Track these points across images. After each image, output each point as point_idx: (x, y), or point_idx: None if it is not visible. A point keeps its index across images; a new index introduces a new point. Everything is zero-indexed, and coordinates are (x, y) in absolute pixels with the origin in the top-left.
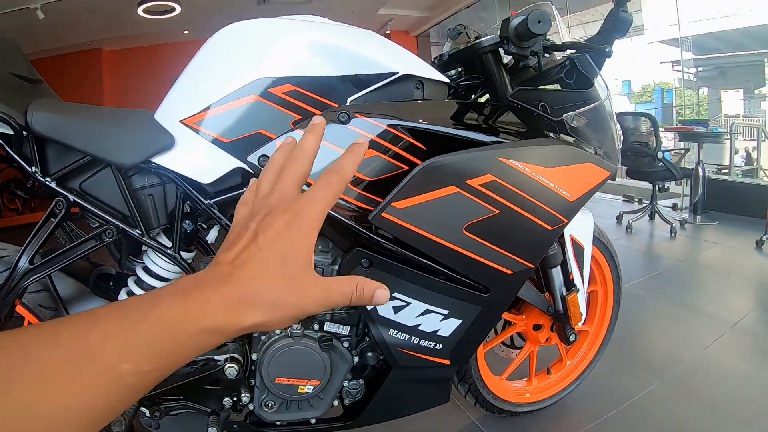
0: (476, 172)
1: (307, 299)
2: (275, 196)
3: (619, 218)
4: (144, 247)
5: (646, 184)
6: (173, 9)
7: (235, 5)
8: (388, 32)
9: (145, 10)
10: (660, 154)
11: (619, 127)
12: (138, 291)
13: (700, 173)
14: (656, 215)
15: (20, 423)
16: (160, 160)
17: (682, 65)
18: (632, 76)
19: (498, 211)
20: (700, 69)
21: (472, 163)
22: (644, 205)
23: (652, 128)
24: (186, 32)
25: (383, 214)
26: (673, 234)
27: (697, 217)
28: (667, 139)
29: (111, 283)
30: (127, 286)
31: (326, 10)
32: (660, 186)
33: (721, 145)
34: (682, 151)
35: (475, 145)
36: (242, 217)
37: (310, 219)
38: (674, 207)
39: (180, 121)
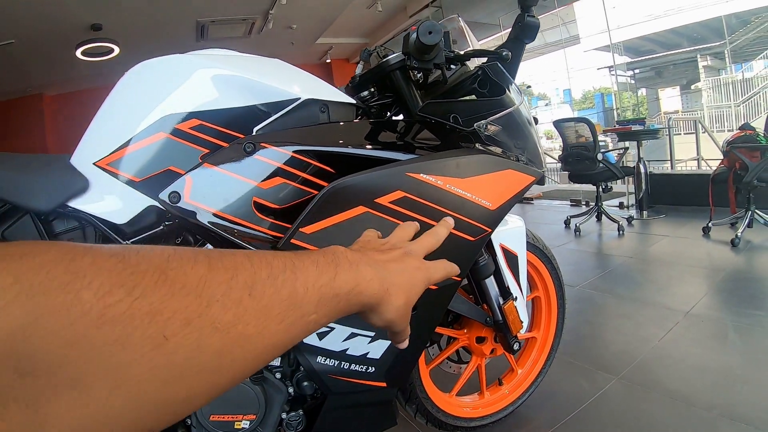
0: (385, 190)
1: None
2: (416, 247)
3: (567, 222)
4: None
5: (592, 187)
6: (112, 50)
7: (174, 43)
8: (328, 61)
9: (84, 53)
10: (600, 156)
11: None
12: None
13: (642, 170)
14: (603, 216)
15: (241, 352)
16: (75, 203)
17: (615, 69)
18: (572, 84)
19: None
20: (636, 71)
21: (380, 181)
22: (591, 207)
23: (590, 132)
24: None
25: (292, 241)
26: (621, 232)
27: (644, 212)
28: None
29: None
30: None
31: (264, 42)
32: (603, 187)
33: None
34: (622, 151)
35: (385, 163)
36: (395, 240)
37: (429, 276)
38: (621, 206)
39: (93, 164)
